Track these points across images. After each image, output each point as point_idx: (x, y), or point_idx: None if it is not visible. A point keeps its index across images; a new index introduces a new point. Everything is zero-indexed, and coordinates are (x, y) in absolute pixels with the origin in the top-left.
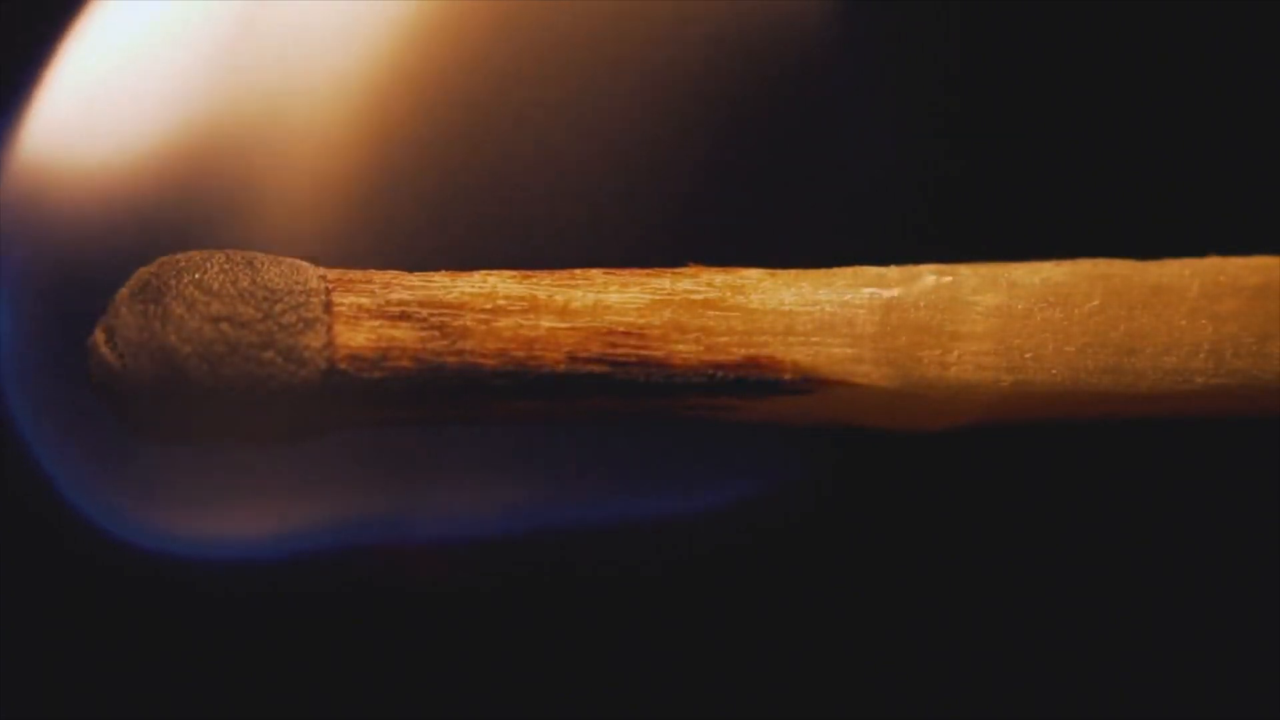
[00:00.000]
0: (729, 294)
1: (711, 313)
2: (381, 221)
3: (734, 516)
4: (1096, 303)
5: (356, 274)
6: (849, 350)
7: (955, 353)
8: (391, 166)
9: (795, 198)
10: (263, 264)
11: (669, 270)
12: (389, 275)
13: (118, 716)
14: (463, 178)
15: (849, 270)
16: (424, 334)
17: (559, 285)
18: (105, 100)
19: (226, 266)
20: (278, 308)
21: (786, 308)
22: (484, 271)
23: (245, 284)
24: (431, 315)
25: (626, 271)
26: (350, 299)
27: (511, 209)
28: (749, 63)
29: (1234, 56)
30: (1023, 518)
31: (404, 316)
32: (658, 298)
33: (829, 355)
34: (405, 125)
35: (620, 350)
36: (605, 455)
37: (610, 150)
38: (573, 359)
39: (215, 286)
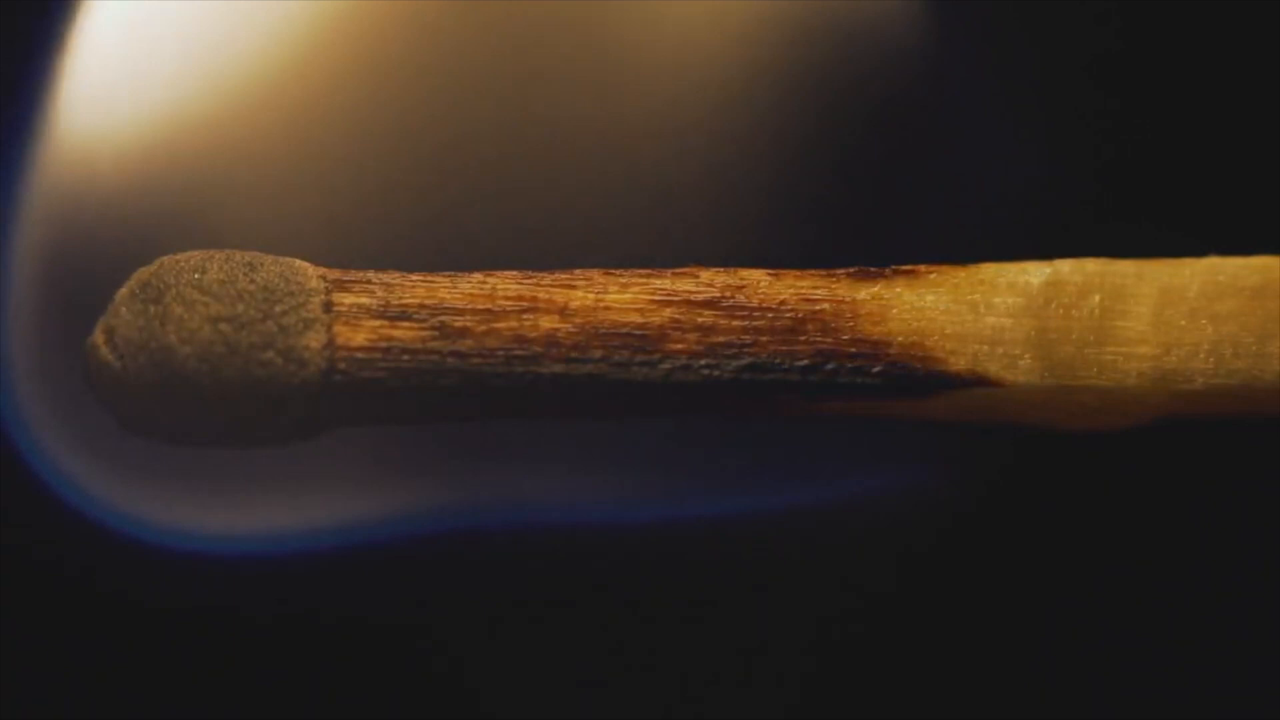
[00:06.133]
0: (735, 294)
1: (711, 313)
2: (381, 221)
3: (861, 513)
4: (1094, 301)
5: (356, 274)
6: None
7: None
8: (392, 166)
9: (798, 199)
10: (263, 264)
11: (669, 270)
12: (389, 275)
13: (117, 715)
14: (463, 178)
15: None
16: (424, 334)
17: (559, 285)
18: (105, 102)
19: (226, 267)
20: (278, 308)
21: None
22: (484, 271)
23: (245, 284)
24: (431, 315)
25: (626, 271)
26: (350, 299)
27: (512, 209)
28: (751, 60)
29: (1234, 56)
30: (1020, 519)
31: (404, 316)
32: (657, 298)
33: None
34: (406, 125)
35: (620, 351)
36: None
37: (612, 150)
38: (573, 359)
39: (215, 287)
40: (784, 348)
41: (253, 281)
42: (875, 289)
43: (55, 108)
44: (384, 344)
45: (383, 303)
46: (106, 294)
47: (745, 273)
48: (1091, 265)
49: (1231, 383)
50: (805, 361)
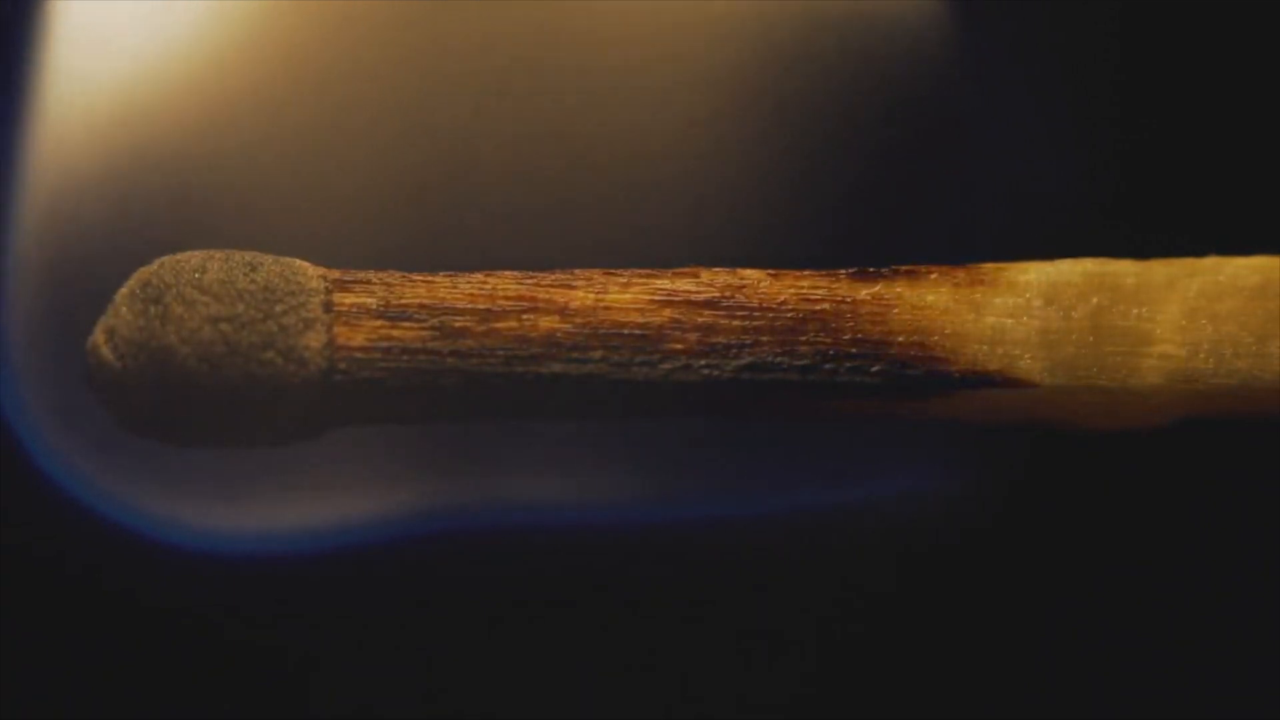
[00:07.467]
0: (735, 294)
1: (711, 313)
2: (381, 221)
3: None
4: (1095, 301)
5: (356, 274)
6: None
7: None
8: (392, 166)
9: (800, 199)
10: (263, 264)
11: (669, 270)
12: (389, 275)
13: (117, 715)
14: (463, 178)
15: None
16: (424, 334)
17: (559, 285)
18: (105, 101)
19: (227, 267)
20: (278, 308)
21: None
22: (484, 272)
23: (245, 284)
24: (431, 315)
25: (626, 271)
26: (350, 299)
27: (512, 209)
28: (752, 60)
29: (1234, 56)
30: (1020, 519)
31: (404, 316)
32: (658, 298)
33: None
34: (407, 125)
35: (620, 351)
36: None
37: (613, 150)
38: (573, 359)
39: (215, 287)
40: (784, 348)
41: (253, 281)
42: (875, 289)
43: (54, 107)
44: (384, 344)
45: (383, 303)
46: (106, 294)
47: (745, 273)
48: (1091, 265)
49: (1231, 383)
50: (805, 361)
